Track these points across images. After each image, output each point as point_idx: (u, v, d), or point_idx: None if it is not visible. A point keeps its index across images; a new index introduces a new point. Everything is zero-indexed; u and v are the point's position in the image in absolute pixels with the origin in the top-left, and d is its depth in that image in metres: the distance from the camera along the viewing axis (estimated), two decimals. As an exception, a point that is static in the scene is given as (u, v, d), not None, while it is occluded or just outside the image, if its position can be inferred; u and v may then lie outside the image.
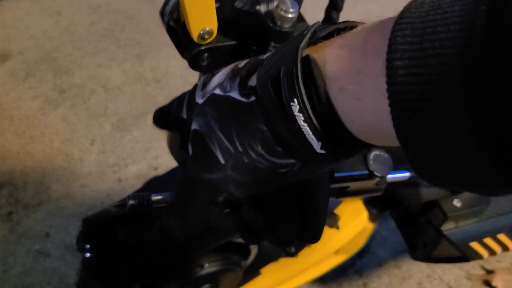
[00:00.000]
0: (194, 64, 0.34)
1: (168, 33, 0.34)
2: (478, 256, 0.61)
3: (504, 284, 0.84)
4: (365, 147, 0.23)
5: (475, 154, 0.16)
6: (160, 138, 1.06)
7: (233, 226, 0.31)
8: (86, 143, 1.03)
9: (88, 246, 0.50)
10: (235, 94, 0.25)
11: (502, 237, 0.61)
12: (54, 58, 1.21)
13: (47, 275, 0.82)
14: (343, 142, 0.22)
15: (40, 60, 1.20)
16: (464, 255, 0.61)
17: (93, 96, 1.13)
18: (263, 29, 0.33)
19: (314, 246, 0.63)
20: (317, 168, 0.26)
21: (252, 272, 0.64)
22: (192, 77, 1.27)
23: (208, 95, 0.28)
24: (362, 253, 0.88)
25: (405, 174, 0.46)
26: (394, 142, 0.19)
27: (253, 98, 0.24)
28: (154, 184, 0.60)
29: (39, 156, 1.00)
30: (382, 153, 0.45)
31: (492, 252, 0.62)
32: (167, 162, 0.97)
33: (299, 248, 0.61)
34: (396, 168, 0.46)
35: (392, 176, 0.45)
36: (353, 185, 0.46)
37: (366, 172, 0.45)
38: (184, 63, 0.34)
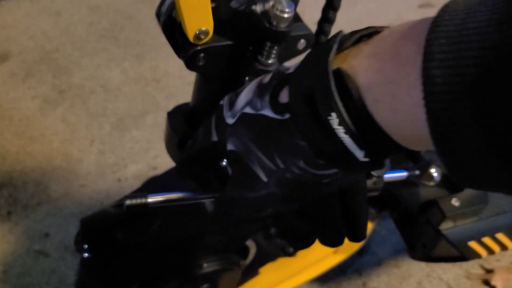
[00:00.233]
0: (190, 64, 0.34)
1: (164, 33, 0.34)
2: (476, 255, 0.61)
3: (503, 283, 0.84)
4: (408, 149, 0.23)
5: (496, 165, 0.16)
6: (160, 138, 1.06)
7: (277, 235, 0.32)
8: (85, 143, 1.03)
9: (86, 246, 0.50)
10: (267, 112, 0.25)
11: (500, 236, 0.61)
12: (54, 59, 1.21)
13: (47, 275, 0.82)
14: (385, 148, 0.22)
15: (40, 60, 1.21)
16: (463, 255, 0.61)
17: (92, 96, 1.13)
18: (259, 29, 0.33)
19: (312, 246, 0.63)
20: (360, 173, 0.26)
21: (251, 271, 0.64)
22: (192, 77, 1.27)
23: (238, 114, 0.28)
24: (361, 253, 0.88)
25: (403, 174, 0.46)
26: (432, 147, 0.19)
27: (287, 116, 0.24)
28: (153, 183, 0.60)
29: (38, 156, 1.00)
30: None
31: (490, 251, 0.62)
32: (166, 162, 0.97)
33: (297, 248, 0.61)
34: (393, 168, 0.46)
35: (389, 176, 0.45)
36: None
37: (364, 171, 0.45)
38: (183, 63, 0.34)
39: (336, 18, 0.39)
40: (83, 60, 1.22)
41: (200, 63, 0.34)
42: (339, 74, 0.21)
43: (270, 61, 0.35)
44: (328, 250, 0.70)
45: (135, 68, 1.21)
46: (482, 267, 0.88)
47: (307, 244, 0.33)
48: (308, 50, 0.38)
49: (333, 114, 0.21)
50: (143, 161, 1.00)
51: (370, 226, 0.72)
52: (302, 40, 0.37)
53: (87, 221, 0.51)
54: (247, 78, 0.35)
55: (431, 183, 0.57)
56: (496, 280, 0.84)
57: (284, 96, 0.25)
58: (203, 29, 0.32)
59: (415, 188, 0.59)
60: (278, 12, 0.32)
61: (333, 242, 0.32)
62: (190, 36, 0.32)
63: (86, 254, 0.50)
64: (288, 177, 0.25)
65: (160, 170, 0.98)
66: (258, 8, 0.33)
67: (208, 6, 0.31)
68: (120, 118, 1.09)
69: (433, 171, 0.56)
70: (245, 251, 0.59)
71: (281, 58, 0.36)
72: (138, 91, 1.15)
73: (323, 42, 0.24)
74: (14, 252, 0.85)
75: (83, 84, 1.16)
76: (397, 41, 0.20)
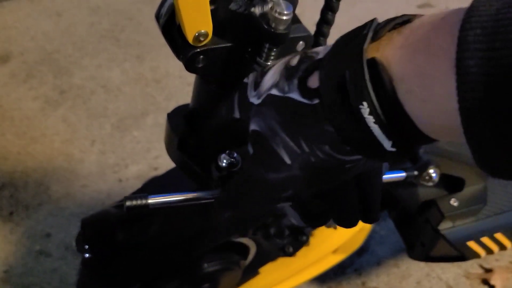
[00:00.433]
0: (190, 66, 0.34)
1: (163, 35, 0.34)
2: (475, 255, 0.62)
3: (502, 283, 0.84)
4: (432, 141, 0.23)
5: None
6: (160, 138, 1.06)
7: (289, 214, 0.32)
8: (86, 143, 1.03)
9: (87, 246, 0.50)
10: (295, 96, 0.25)
11: (499, 236, 0.61)
12: (54, 59, 1.22)
13: (48, 275, 0.83)
14: (413, 139, 0.22)
15: (41, 61, 1.21)
16: (462, 254, 0.61)
17: (93, 96, 1.14)
18: (258, 31, 0.33)
19: (312, 245, 0.63)
20: (385, 161, 0.26)
21: (251, 271, 0.64)
22: (191, 78, 1.27)
23: (264, 95, 0.28)
24: (361, 252, 0.89)
25: (401, 174, 0.46)
26: (462, 138, 0.19)
27: (316, 101, 0.24)
28: (153, 184, 0.61)
29: (39, 156, 1.00)
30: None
31: (489, 251, 0.62)
32: (167, 162, 0.97)
33: (297, 248, 0.62)
34: (392, 168, 0.46)
35: (388, 176, 0.45)
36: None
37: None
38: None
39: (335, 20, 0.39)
40: (83, 60, 1.22)
41: (200, 65, 0.34)
42: (373, 64, 0.21)
43: (269, 63, 0.35)
44: (328, 250, 0.70)
45: (136, 68, 1.21)
46: (481, 266, 0.88)
47: (321, 223, 0.33)
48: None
49: (365, 103, 0.21)
50: (144, 161, 1.01)
51: (368, 226, 0.72)
52: (301, 42, 0.37)
53: (88, 221, 0.52)
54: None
55: (430, 184, 0.57)
56: (495, 280, 0.85)
57: (313, 81, 0.25)
58: (203, 31, 0.32)
59: (414, 188, 0.60)
60: (276, 14, 0.32)
61: (348, 223, 0.32)
62: (190, 38, 0.32)
63: (87, 254, 0.50)
64: (312, 160, 0.26)
65: (161, 170, 0.98)
66: (257, 10, 0.33)
67: (207, 8, 0.31)
68: (120, 118, 1.09)
69: (432, 172, 0.56)
70: (245, 251, 0.59)
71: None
72: (138, 91, 1.16)
73: (355, 30, 0.24)
74: (16, 252, 0.85)
75: (83, 85, 1.16)
76: (429, 32, 0.20)
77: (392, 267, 0.88)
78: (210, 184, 0.38)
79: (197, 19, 0.32)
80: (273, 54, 0.35)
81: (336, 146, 0.24)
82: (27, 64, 1.20)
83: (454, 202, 0.59)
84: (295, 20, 0.36)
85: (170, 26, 0.34)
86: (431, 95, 0.20)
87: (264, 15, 0.33)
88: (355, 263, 0.88)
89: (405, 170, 0.48)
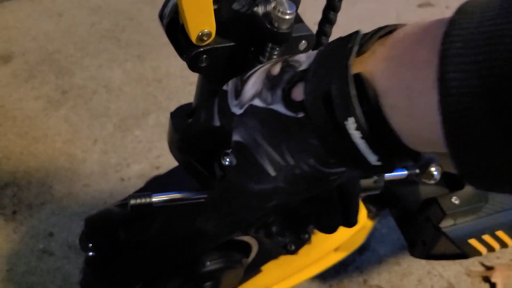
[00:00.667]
0: (193, 65, 0.35)
1: (167, 35, 0.35)
2: (477, 252, 0.62)
3: (503, 280, 0.85)
4: (417, 154, 0.23)
5: None
6: (162, 138, 1.06)
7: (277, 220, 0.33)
8: (88, 143, 1.04)
9: (90, 245, 0.50)
10: (279, 108, 0.25)
11: (500, 234, 0.61)
12: (56, 59, 1.22)
13: (51, 274, 0.83)
14: (397, 153, 0.22)
15: (42, 61, 1.21)
16: (463, 252, 0.61)
17: (94, 96, 1.14)
18: (260, 31, 0.33)
19: (314, 243, 0.63)
20: (370, 174, 0.27)
21: (253, 269, 0.64)
22: (193, 77, 1.28)
23: (246, 105, 0.27)
24: (362, 250, 0.89)
25: (403, 172, 0.47)
26: (445, 149, 0.19)
27: (301, 114, 0.24)
28: (156, 183, 0.61)
29: (42, 156, 1.00)
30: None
31: (490, 248, 0.62)
32: (169, 161, 0.98)
33: (299, 246, 0.62)
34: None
35: (390, 175, 0.46)
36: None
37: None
38: (184, 63, 0.35)
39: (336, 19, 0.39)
40: (84, 60, 1.23)
41: (203, 65, 0.35)
42: (359, 79, 0.21)
43: (271, 62, 0.35)
44: (329, 248, 0.70)
45: (137, 68, 1.22)
46: (483, 264, 0.89)
47: (303, 227, 0.34)
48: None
49: (350, 119, 0.21)
50: (146, 161, 1.01)
51: (370, 224, 0.72)
52: (303, 41, 0.37)
53: (92, 220, 0.52)
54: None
55: (431, 182, 0.57)
56: (496, 277, 0.85)
57: (297, 93, 0.25)
58: (206, 30, 0.32)
59: (415, 186, 0.60)
60: (279, 14, 0.32)
61: (328, 228, 0.33)
62: (193, 37, 0.33)
63: (90, 253, 0.50)
64: (297, 173, 0.25)
65: (162, 170, 0.98)
66: (259, 9, 0.34)
67: (211, 8, 0.31)
68: (122, 118, 1.09)
69: (433, 170, 0.56)
70: (247, 249, 0.60)
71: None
72: (139, 91, 1.16)
73: (339, 40, 0.24)
74: (19, 251, 0.86)
75: (85, 85, 1.16)
76: (411, 45, 0.20)
77: (393, 265, 0.88)
78: (213, 183, 0.38)
79: (201, 19, 0.32)
80: (275, 53, 0.35)
81: (321, 159, 0.24)
82: (28, 64, 1.20)
83: (455, 200, 0.59)
84: (298, 19, 0.37)
85: (173, 25, 0.34)
86: (415, 109, 0.20)
87: (267, 14, 0.34)
88: (357, 261, 0.88)
89: (406, 168, 0.48)
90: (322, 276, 0.84)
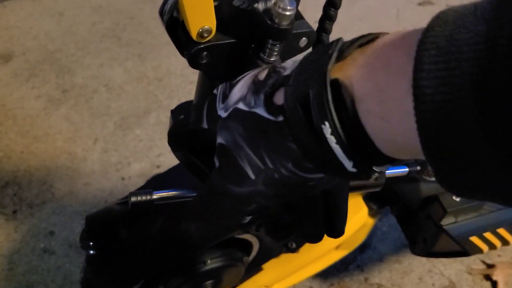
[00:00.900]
0: (193, 62, 0.34)
1: (167, 32, 0.35)
2: (478, 250, 0.62)
3: (505, 278, 0.84)
4: (393, 161, 0.23)
5: (497, 170, 0.17)
6: (163, 136, 1.06)
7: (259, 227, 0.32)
8: (89, 142, 1.04)
9: (91, 243, 0.50)
10: (261, 111, 0.25)
11: (502, 231, 0.61)
12: (57, 59, 1.22)
13: (52, 272, 0.83)
14: (373, 159, 0.22)
15: (43, 60, 1.21)
16: (464, 250, 0.61)
17: (95, 95, 1.14)
18: (261, 27, 0.33)
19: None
20: (346, 180, 0.27)
21: (254, 267, 0.64)
22: (193, 76, 1.28)
23: (231, 109, 0.28)
24: (363, 248, 0.89)
25: (404, 170, 0.46)
26: (422, 156, 0.19)
27: (281, 118, 0.24)
28: (156, 181, 0.61)
29: (42, 155, 1.01)
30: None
31: (492, 246, 0.62)
32: (169, 160, 0.98)
33: (300, 244, 0.62)
34: (395, 164, 0.46)
35: (390, 172, 0.45)
36: (353, 181, 0.47)
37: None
38: (185, 62, 0.35)
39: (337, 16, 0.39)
40: (85, 59, 1.23)
41: (203, 61, 0.35)
42: (336, 84, 0.22)
43: (272, 59, 0.35)
44: (330, 246, 0.70)
45: (137, 67, 1.22)
46: (484, 262, 0.89)
47: (285, 236, 0.34)
48: (309, 48, 0.38)
49: (327, 124, 0.21)
50: (147, 159, 1.01)
51: (371, 222, 0.72)
52: (304, 38, 0.37)
53: (92, 218, 0.52)
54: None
55: (432, 179, 0.57)
56: (497, 275, 0.85)
57: (279, 98, 0.25)
58: (206, 27, 0.32)
59: (416, 183, 0.60)
60: (280, 10, 0.32)
61: (311, 237, 0.33)
62: (193, 34, 0.33)
63: (91, 251, 0.50)
64: (276, 177, 0.26)
65: (163, 168, 0.98)
66: (260, 6, 0.34)
67: (211, 4, 0.31)
68: (123, 117, 1.09)
69: (434, 167, 0.56)
70: (248, 247, 0.60)
71: (283, 56, 0.37)
72: (140, 90, 1.16)
73: (322, 47, 0.24)
74: (20, 250, 0.86)
75: (86, 84, 1.16)
76: (388, 51, 0.20)
77: (394, 263, 0.88)
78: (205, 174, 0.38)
79: (201, 15, 0.32)
80: (276, 49, 0.35)
81: (299, 164, 0.25)
82: (29, 63, 1.20)
83: (456, 197, 0.59)
84: (298, 16, 0.37)
85: (174, 22, 0.34)
86: (390, 114, 0.20)
87: (267, 10, 0.33)
88: (358, 259, 0.88)
89: (407, 165, 0.48)
90: (323, 274, 0.84)
